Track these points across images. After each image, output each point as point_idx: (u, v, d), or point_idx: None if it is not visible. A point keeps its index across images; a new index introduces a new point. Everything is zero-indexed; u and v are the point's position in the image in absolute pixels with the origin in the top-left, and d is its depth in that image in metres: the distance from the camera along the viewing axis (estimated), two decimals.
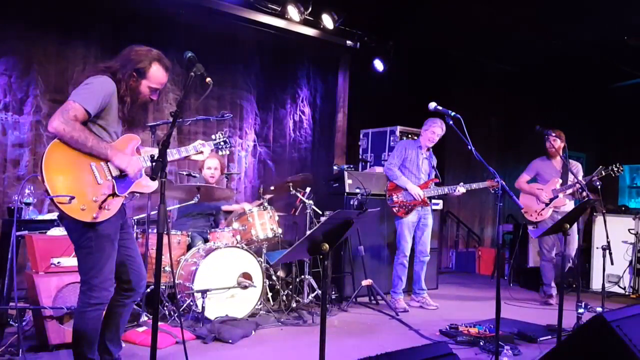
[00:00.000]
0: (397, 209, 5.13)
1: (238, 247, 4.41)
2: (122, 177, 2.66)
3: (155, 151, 2.78)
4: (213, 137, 3.17)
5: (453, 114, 3.28)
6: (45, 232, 3.69)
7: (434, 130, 5.08)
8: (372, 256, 5.61)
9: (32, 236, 3.56)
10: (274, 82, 6.79)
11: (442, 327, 4.21)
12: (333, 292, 5.33)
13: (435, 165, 5.29)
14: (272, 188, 5.10)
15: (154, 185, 2.80)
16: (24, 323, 3.33)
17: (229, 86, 6.34)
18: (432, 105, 3.44)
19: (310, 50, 7.01)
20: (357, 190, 5.19)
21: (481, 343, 3.77)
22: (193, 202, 4.41)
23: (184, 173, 4.83)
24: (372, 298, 5.29)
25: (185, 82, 2.49)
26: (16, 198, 3.81)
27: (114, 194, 2.63)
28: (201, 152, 3.01)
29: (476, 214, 8.94)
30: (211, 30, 5.97)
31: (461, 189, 5.05)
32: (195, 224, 5.06)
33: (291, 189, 5.00)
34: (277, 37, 6.43)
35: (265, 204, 4.80)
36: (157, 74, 2.73)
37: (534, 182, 5.75)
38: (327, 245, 2.21)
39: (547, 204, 5.51)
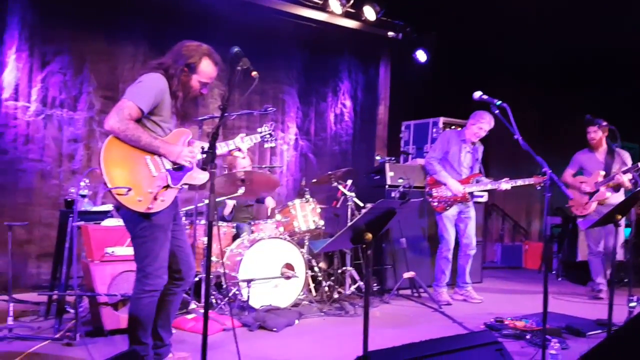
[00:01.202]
0: (436, 203, 5.09)
1: (281, 239, 4.52)
2: (175, 169, 2.79)
3: (205, 144, 2.89)
4: (259, 129, 3.23)
5: (499, 102, 3.18)
6: (100, 223, 3.90)
7: (481, 126, 4.96)
8: (414, 249, 5.62)
9: (88, 226, 3.77)
10: (315, 75, 6.87)
11: (486, 320, 4.18)
12: (375, 285, 5.38)
13: (480, 159, 5.19)
14: (314, 181, 5.19)
15: (205, 177, 2.90)
16: (80, 309, 3.52)
17: (270, 81, 6.46)
18: (477, 94, 3.39)
19: (352, 43, 7.04)
20: (400, 181, 5.20)
21: (527, 337, 3.71)
22: (238, 194, 4.52)
23: (225, 166, 4.97)
24: (414, 290, 5.30)
25: (231, 76, 2.57)
26: (73, 190, 4.05)
27: (167, 186, 2.75)
28: (238, 149, 3.07)
29: (522, 206, 8.76)
30: (252, 25, 6.09)
31: (505, 185, 4.81)
32: (237, 216, 5.22)
33: (333, 181, 5.08)
34: (318, 30, 6.50)
35: (307, 196, 4.89)
36: (207, 69, 2.83)
37: (580, 176, 5.62)
38: (370, 235, 2.26)
39: (590, 197, 5.38)
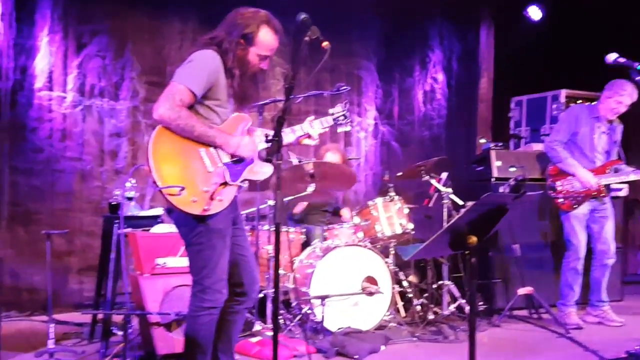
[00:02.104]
0: (561, 200, 4.95)
1: (361, 246, 4.55)
2: (234, 162, 2.88)
3: (269, 132, 2.96)
4: (330, 111, 3.24)
5: None
6: (149, 230, 4.10)
7: (621, 99, 4.79)
8: (531, 258, 5.46)
9: (136, 234, 3.97)
10: (397, 46, 6.84)
11: (629, 348, 3.99)
12: (480, 303, 5.29)
13: (619, 141, 5.01)
14: (399, 174, 5.18)
15: (268, 170, 2.97)
16: (129, 331, 3.70)
17: (343, 55, 6.49)
18: (612, 56, 3.27)
19: (444, 3, 6.94)
20: (512, 171, 5.08)
21: None
22: (307, 193, 4.58)
23: (295, 161, 5.04)
24: (533, 311, 5.20)
25: (296, 50, 2.62)
26: (117, 193, 4.29)
27: (225, 183, 2.84)
28: (307, 136, 3.11)
29: None
30: None
31: None
32: (308, 219, 5.31)
33: (423, 174, 5.04)
34: None
35: (392, 194, 4.88)
36: (266, 38, 2.88)
37: None
38: (474, 238, 2.24)
39: None
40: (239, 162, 2.89)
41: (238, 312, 3.04)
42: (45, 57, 5.32)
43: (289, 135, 3.08)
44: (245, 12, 2.90)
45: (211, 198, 2.76)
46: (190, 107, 2.79)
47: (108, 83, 5.56)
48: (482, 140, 5.96)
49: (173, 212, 2.86)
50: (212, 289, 2.83)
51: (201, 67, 2.79)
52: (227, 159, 2.86)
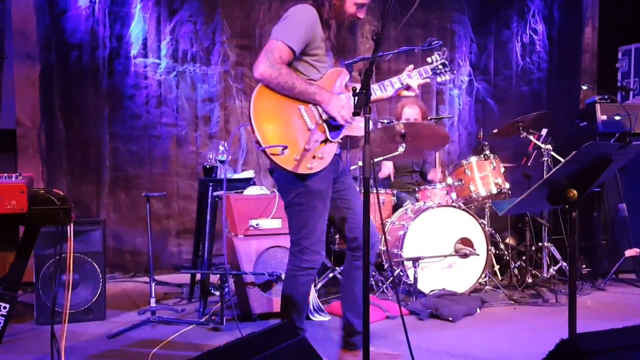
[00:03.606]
0: None
1: (454, 207, 4.50)
2: (334, 119, 2.86)
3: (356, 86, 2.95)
4: (429, 59, 3.17)
5: None
6: (242, 192, 4.23)
7: None
8: (639, 218, 5.20)
9: (230, 196, 4.11)
10: None
11: None
12: (584, 267, 5.12)
13: None
14: (495, 131, 5.03)
15: None
16: (225, 291, 3.86)
17: (435, 7, 6.34)
18: None
19: None
20: (617, 118, 4.81)
21: None
22: (398, 153, 4.55)
23: (385, 121, 5.02)
24: None
25: (385, 2, 2.57)
26: (211, 156, 4.46)
27: (326, 140, 2.85)
28: (407, 87, 3.06)
29: None
30: None
31: None
32: (397, 182, 5.28)
33: (521, 131, 4.86)
34: None
35: (487, 152, 4.76)
36: None
37: None
38: (575, 192, 2.15)
39: None
40: None
41: (359, 268, 2.96)
42: (139, 24, 5.54)
43: (388, 89, 3.05)
44: None
45: (313, 156, 2.79)
46: (289, 64, 2.79)
47: (200, 48, 5.71)
48: (585, 87, 5.68)
49: (275, 172, 2.90)
50: (311, 250, 2.86)
51: (298, 22, 2.78)
52: (326, 115, 2.86)
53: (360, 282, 2.94)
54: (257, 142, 2.73)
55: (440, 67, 3.17)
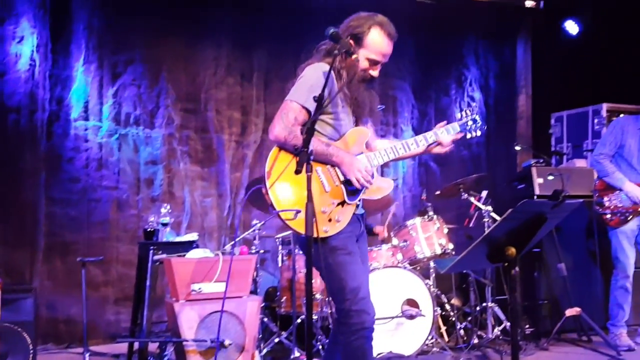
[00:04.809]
0: (609, 216, 4.84)
1: (400, 268, 4.51)
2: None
3: (396, 143, 2.92)
4: (457, 115, 3.12)
5: None
6: (184, 255, 4.12)
7: None
8: (578, 278, 5.33)
9: (171, 260, 3.99)
10: (433, 64, 6.85)
11: None
12: (527, 326, 5.18)
13: None
14: (437, 193, 5.13)
15: (388, 186, 2.90)
16: (165, 359, 3.72)
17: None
18: None
19: (479, 19, 6.92)
20: (550, 179, 4.97)
21: None
22: None
23: None
24: (582, 333, 5.09)
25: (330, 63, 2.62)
26: (152, 219, 4.36)
27: (343, 202, 2.76)
28: (438, 143, 3.03)
29: None
30: (352, 4, 6.20)
31: None
32: None
33: (462, 193, 4.98)
34: (435, 8, 6.46)
35: (431, 214, 4.84)
36: (376, 41, 2.81)
37: None
38: (513, 249, 2.19)
39: None
40: None
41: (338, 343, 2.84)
42: (80, 87, 5.48)
43: (420, 144, 3.02)
44: (362, 14, 2.86)
45: (329, 219, 2.70)
46: (305, 125, 2.67)
47: (143, 111, 5.68)
48: (518, 148, 5.88)
49: (299, 237, 2.76)
50: (354, 311, 2.69)
51: (310, 80, 2.74)
52: (344, 177, 2.79)
53: (370, 352, 2.82)
54: (271, 205, 2.64)
55: (470, 123, 3.11)
